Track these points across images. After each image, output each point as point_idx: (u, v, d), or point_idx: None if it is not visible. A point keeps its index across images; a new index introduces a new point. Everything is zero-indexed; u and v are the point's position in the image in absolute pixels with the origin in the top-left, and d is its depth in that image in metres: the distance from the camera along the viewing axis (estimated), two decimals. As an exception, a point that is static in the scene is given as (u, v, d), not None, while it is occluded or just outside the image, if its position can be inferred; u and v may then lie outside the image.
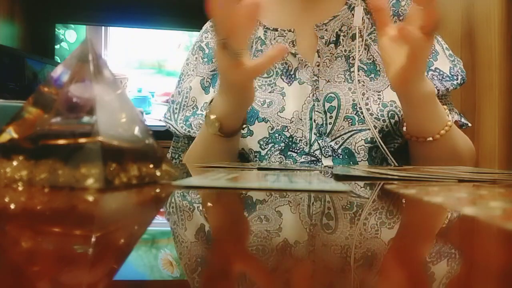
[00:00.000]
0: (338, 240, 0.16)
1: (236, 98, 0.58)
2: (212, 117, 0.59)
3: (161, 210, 0.23)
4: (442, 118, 0.58)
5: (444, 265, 0.13)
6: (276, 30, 0.72)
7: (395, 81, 0.55)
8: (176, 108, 0.77)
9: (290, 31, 0.71)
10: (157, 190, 0.28)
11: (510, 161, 1.30)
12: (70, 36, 2.27)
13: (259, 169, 0.47)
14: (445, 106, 0.60)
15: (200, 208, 0.23)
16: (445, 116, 0.59)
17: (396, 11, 0.71)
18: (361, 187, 0.32)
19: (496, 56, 1.35)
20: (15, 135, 0.28)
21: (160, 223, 0.20)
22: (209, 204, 0.25)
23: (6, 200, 0.22)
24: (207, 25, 0.80)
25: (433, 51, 0.70)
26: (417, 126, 0.59)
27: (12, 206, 0.21)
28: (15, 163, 0.26)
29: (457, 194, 0.26)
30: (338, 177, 0.39)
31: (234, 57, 0.51)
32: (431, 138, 0.58)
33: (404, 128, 0.62)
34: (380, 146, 0.64)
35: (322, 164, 0.65)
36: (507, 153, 1.32)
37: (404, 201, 0.26)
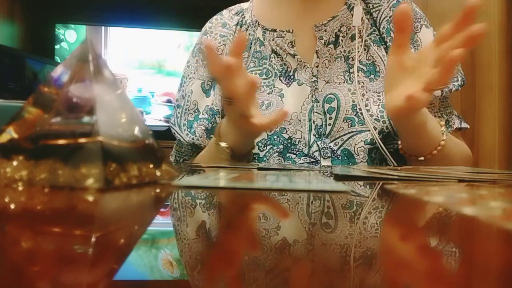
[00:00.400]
0: (337, 239, 0.16)
1: (245, 134, 0.60)
2: (223, 145, 0.60)
3: (161, 210, 0.23)
4: (435, 139, 0.59)
5: (444, 264, 0.13)
6: (274, 30, 0.72)
7: (390, 113, 0.55)
8: (179, 113, 0.77)
9: (288, 31, 0.71)
10: (157, 190, 0.28)
11: (510, 161, 1.30)
12: (70, 36, 2.27)
13: (259, 169, 0.47)
14: (442, 123, 0.61)
15: (200, 208, 0.23)
16: (439, 136, 0.59)
17: None
18: (361, 187, 0.32)
19: (496, 56, 1.35)
20: (15, 135, 0.28)
21: (160, 223, 0.20)
22: (209, 204, 0.25)
23: (6, 200, 0.22)
24: (206, 26, 0.80)
25: None
26: (410, 147, 0.61)
27: (12, 206, 0.21)
28: (15, 163, 0.26)
29: (457, 194, 0.26)
30: (338, 177, 0.39)
31: (239, 115, 0.55)
32: (422, 158, 0.60)
33: (399, 142, 0.62)
34: (380, 148, 0.64)
35: (321, 165, 0.65)
36: (507, 153, 1.32)
37: (404, 201, 0.26)
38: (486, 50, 1.36)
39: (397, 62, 0.53)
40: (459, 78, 0.69)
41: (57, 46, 2.23)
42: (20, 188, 0.25)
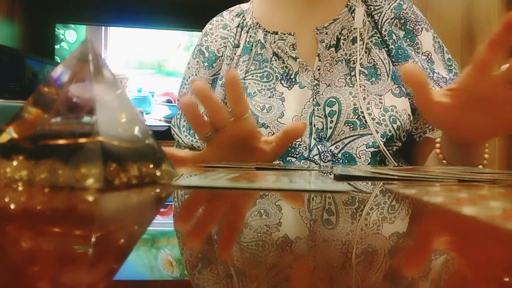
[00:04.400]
0: (337, 240, 0.16)
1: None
2: None
3: (161, 210, 0.23)
4: (480, 159, 0.56)
5: (443, 265, 0.13)
6: (276, 33, 0.72)
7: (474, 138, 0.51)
8: (179, 114, 0.77)
9: (290, 34, 0.71)
10: (157, 190, 0.28)
11: (510, 161, 1.30)
12: (70, 36, 2.27)
13: (258, 168, 0.47)
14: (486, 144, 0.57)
15: (200, 208, 0.23)
16: (483, 155, 0.56)
17: (397, 14, 0.71)
18: (361, 187, 0.32)
19: (496, 56, 1.34)
20: (15, 135, 0.28)
21: (160, 223, 0.20)
22: (208, 204, 0.25)
23: (6, 200, 0.22)
24: (207, 28, 0.80)
25: (430, 60, 0.69)
26: (456, 163, 0.57)
27: (12, 206, 0.21)
28: (15, 163, 0.26)
29: (457, 194, 0.26)
30: (338, 177, 0.39)
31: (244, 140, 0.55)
32: None
33: (440, 156, 0.58)
34: (383, 151, 0.64)
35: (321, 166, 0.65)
36: (507, 153, 1.32)
37: (404, 201, 0.26)
38: (486, 50, 1.36)
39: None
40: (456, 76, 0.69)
41: (57, 46, 2.23)
42: (20, 188, 0.25)
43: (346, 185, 0.30)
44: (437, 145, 0.59)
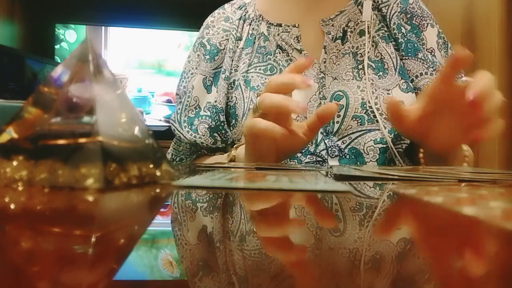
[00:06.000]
0: (338, 239, 0.16)
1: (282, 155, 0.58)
2: None
3: (161, 210, 0.23)
4: (460, 160, 0.58)
5: (444, 265, 0.13)
6: (280, 25, 0.71)
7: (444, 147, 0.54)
8: (179, 109, 0.75)
9: (294, 26, 0.70)
10: (157, 190, 0.28)
11: (510, 161, 1.30)
12: (70, 36, 2.27)
13: (258, 168, 0.47)
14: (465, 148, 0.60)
15: (200, 208, 0.23)
16: (463, 155, 0.58)
17: (404, 9, 0.70)
18: (360, 187, 0.32)
19: (496, 56, 1.35)
20: (15, 135, 0.28)
21: (160, 223, 0.20)
22: (209, 204, 0.25)
23: (6, 200, 0.22)
24: (208, 20, 0.79)
25: (433, 57, 0.69)
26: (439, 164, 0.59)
27: (12, 206, 0.21)
28: (15, 163, 0.26)
29: (457, 194, 0.26)
30: (338, 177, 0.39)
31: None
32: None
33: (422, 160, 0.60)
34: (390, 148, 0.63)
35: (328, 164, 0.64)
36: (507, 153, 1.32)
37: (404, 201, 0.26)
38: (486, 50, 1.36)
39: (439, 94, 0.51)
40: (462, 76, 0.69)
41: (57, 46, 2.23)
42: (20, 188, 0.25)
43: (346, 185, 0.30)
44: (421, 155, 0.60)
